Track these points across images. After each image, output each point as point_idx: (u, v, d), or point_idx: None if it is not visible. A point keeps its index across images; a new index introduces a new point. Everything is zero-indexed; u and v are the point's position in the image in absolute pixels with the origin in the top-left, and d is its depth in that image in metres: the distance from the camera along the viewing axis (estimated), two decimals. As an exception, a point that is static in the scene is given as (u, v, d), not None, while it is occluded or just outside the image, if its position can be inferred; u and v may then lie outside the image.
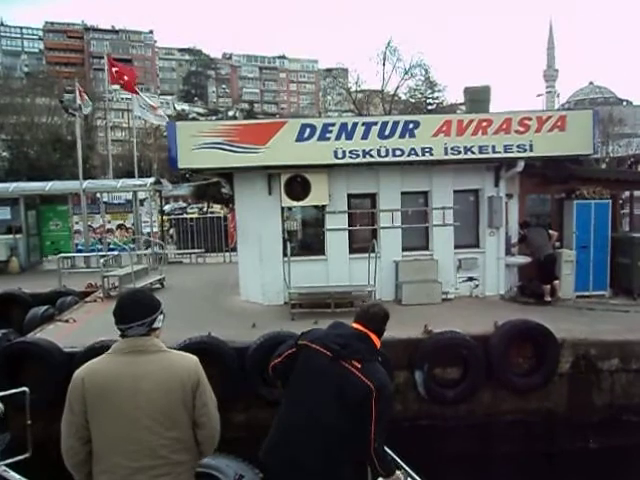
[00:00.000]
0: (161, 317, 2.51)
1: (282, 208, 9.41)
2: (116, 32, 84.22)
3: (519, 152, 8.94)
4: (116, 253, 12.78)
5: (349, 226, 9.57)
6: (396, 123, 8.88)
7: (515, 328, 7.12)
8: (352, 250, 9.53)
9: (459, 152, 8.88)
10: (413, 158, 8.92)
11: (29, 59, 78.83)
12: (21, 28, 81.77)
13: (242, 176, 9.52)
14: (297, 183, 9.13)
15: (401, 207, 9.54)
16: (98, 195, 16.07)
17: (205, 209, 32.27)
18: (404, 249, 9.61)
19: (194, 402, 2.39)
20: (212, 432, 2.47)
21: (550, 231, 9.73)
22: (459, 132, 8.87)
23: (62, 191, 15.55)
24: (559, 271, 9.62)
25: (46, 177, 19.52)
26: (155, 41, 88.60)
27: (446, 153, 8.88)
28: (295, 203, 9.26)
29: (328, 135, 8.82)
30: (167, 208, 35.56)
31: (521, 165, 9.08)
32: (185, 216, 19.16)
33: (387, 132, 8.83)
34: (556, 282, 9.52)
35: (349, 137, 8.83)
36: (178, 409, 2.36)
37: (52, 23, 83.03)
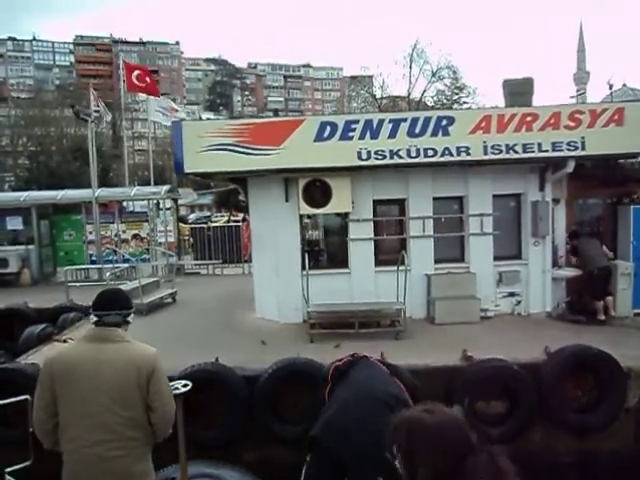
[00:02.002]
0: (133, 315, 2.97)
1: (300, 216, 8.56)
2: (143, 44, 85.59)
3: (569, 150, 7.84)
4: (126, 265, 12.14)
5: (375, 236, 8.63)
6: (428, 119, 7.88)
7: (573, 357, 6.04)
8: (378, 262, 8.59)
9: (500, 151, 7.83)
10: (447, 159, 7.90)
11: (60, 72, 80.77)
12: (53, 42, 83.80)
13: (256, 181, 8.68)
14: (316, 188, 8.23)
15: (433, 214, 8.55)
16: (125, 204, 15.51)
17: (229, 217, 31.66)
18: (437, 261, 8.61)
19: (148, 387, 2.73)
20: (164, 416, 2.81)
21: (604, 247, 8.66)
22: (500, 129, 7.83)
23: (75, 200, 15.00)
24: (614, 285, 8.52)
25: (65, 186, 19.18)
26: (182, 52, 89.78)
27: (485, 153, 7.85)
28: (315, 210, 8.36)
29: (351, 134, 7.88)
30: (192, 217, 35.32)
31: (572, 165, 7.97)
32: (203, 225, 18.50)
33: (418, 130, 7.85)
34: (609, 298, 8.44)
35: (374, 136, 7.87)
36: (133, 392, 2.70)
37: (82, 37, 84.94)
